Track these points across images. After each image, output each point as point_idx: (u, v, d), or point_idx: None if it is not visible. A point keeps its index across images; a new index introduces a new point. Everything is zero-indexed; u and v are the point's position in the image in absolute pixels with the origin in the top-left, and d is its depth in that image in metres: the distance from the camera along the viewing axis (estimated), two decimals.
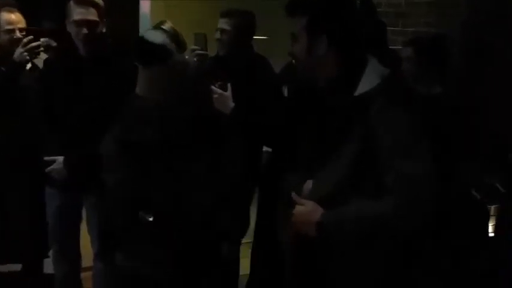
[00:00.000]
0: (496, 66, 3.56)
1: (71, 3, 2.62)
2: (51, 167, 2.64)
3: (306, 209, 1.61)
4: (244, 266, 3.12)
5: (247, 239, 3.13)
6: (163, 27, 2.88)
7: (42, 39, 2.85)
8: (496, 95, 3.52)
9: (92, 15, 2.59)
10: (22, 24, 2.98)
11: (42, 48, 2.78)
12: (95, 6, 2.61)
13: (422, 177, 1.48)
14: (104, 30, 2.69)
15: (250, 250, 3.16)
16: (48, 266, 3.11)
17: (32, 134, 2.88)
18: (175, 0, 4.40)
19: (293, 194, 1.66)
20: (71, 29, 2.63)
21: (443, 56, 2.95)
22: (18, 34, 2.91)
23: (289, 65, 2.89)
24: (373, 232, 1.54)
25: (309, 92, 1.86)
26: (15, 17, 2.97)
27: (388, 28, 3.83)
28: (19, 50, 2.74)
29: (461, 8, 3.63)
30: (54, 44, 2.98)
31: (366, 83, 1.58)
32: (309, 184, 1.69)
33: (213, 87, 2.62)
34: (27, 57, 2.75)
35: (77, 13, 2.58)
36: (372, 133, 1.52)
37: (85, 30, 2.57)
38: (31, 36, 2.75)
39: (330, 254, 1.62)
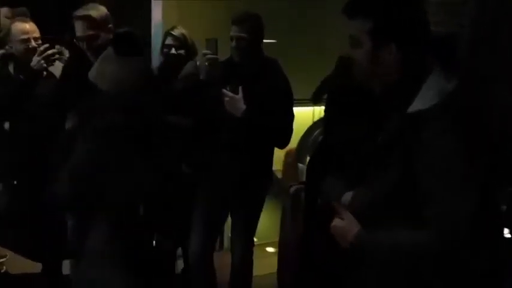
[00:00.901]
0: (506, 65, 3.55)
1: (73, 19, 2.75)
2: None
3: (344, 222, 1.57)
4: (257, 267, 3.15)
5: (260, 240, 3.17)
6: (173, 32, 2.97)
7: (57, 47, 2.94)
8: (508, 94, 3.51)
9: (89, 29, 2.71)
10: (36, 33, 3.06)
11: (57, 56, 2.88)
12: (91, 20, 2.72)
13: (465, 216, 1.38)
14: (111, 37, 2.77)
15: (262, 251, 3.19)
16: (67, 268, 3.17)
17: (47, 139, 2.94)
18: (188, 4, 4.45)
19: (335, 204, 1.63)
20: (79, 43, 2.77)
21: (453, 56, 2.96)
22: (33, 43, 2.99)
23: (228, 63, 2.89)
24: (404, 262, 1.48)
25: (360, 98, 1.84)
26: (29, 27, 3.05)
27: None
28: (36, 58, 2.84)
29: (470, 7, 3.62)
30: (67, 52, 3.09)
31: (423, 99, 1.45)
32: (347, 195, 1.71)
33: (224, 90, 2.68)
34: (44, 65, 2.85)
35: (77, 30, 2.74)
36: (418, 158, 1.41)
37: (85, 45, 2.72)
38: (47, 45, 2.85)
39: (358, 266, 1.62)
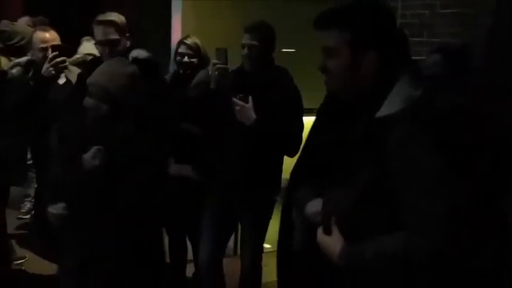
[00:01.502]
0: None
1: (94, 24, 2.81)
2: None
3: (329, 239, 1.58)
4: (268, 274, 3.17)
5: (271, 247, 3.19)
6: (186, 41, 3.03)
7: (77, 56, 3.04)
8: None
9: (112, 34, 2.77)
10: (56, 41, 3.17)
11: (67, 63, 2.95)
12: (114, 25, 2.78)
13: (438, 216, 1.36)
14: (128, 45, 2.84)
15: (273, 257, 3.21)
16: None
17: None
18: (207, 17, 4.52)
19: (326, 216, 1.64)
20: (97, 48, 2.84)
21: (468, 66, 2.96)
22: (50, 52, 3.06)
23: (239, 71, 2.93)
24: (391, 267, 1.47)
25: (334, 107, 1.88)
26: (49, 36, 3.17)
27: (413, 39, 3.88)
28: (45, 66, 2.91)
29: (486, 19, 3.62)
30: (89, 59, 3.18)
31: (390, 105, 1.47)
32: (315, 203, 1.77)
33: (234, 99, 2.73)
34: (53, 72, 2.91)
35: (98, 34, 2.78)
36: (387, 161, 1.43)
37: (107, 50, 2.77)
38: (56, 52, 2.91)
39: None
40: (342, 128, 1.71)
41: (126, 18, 2.92)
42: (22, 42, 3.52)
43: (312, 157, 2.13)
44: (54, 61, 2.89)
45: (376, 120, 1.48)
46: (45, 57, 3.06)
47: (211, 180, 2.96)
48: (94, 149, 2.09)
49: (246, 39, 2.84)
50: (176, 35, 4.22)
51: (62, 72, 3.00)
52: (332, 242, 1.56)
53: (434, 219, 1.36)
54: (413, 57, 3.33)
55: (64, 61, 2.92)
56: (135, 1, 5.56)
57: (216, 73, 2.81)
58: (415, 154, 1.40)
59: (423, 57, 3.15)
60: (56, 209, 2.18)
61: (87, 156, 2.09)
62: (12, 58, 3.42)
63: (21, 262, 3.78)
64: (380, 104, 1.49)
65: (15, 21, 4.02)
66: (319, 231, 1.61)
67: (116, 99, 2.12)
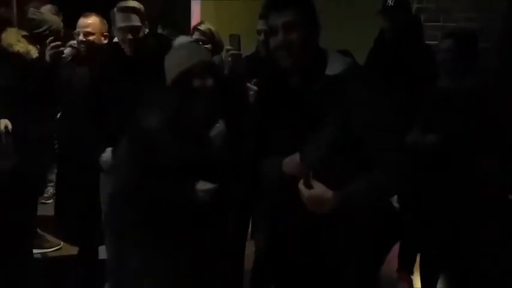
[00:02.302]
0: None
1: (115, 11, 2.86)
2: (103, 155, 2.86)
3: (317, 191, 1.77)
4: None
5: None
6: (200, 27, 3.08)
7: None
8: None
9: (135, 21, 2.82)
10: (90, 28, 3.27)
11: (62, 48, 3.07)
12: (137, 12, 2.84)
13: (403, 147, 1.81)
14: (146, 32, 2.91)
15: None
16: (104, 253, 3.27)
17: (80, 125, 3.10)
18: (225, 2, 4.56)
19: (304, 177, 1.79)
20: (117, 35, 2.88)
21: (478, 51, 2.97)
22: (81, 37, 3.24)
23: (253, 57, 3.00)
24: (375, 198, 1.82)
25: (282, 79, 1.98)
26: (82, 21, 3.30)
27: (429, 24, 3.88)
28: (47, 49, 3.04)
29: (502, 3, 3.60)
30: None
31: (333, 68, 1.83)
32: (296, 156, 1.86)
33: (249, 84, 2.77)
34: (52, 56, 3.03)
35: (121, 20, 2.83)
36: (348, 112, 1.76)
37: (129, 36, 2.81)
38: (52, 38, 3.05)
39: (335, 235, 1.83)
40: (295, 94, 1.91)
41: (147, 4, 2.98)
42: (49, 30, 3.61)
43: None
44: (50, 45, 2.99)
45: (328, 77, 1.81)
46: (78, 41, 3.22)
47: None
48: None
49: (260, 25, 2.89)
50: (195, 20, 4.28)
51: (60, 56, 3.08)
52: (319, 192, 1.76)
53: (398, 151, 1.77)
54: (428, 42, 3.41)
55: (59, 46, 3.02)
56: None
57: (229, 59, 2.86)
58: (369, 101, 1.77)
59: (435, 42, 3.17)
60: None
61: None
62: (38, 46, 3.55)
63: (57, 249, 3.85)
64: (322, 68, 1.83)
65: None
66: (301, 186, 1.78)
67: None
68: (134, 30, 2.82)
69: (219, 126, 2.20)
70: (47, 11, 4.07)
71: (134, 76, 2.80)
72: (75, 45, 3.21)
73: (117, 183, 2.17)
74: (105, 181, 3.00)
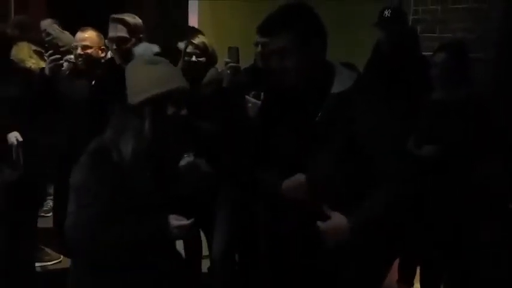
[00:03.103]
0: None
1: (109, 22, 2.97)
2: None
3: (335, 221, 1.75)
4: None
5: None
6: (194, 41, 3.07)
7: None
8: None
9: (121, 32, 2.92)
10: (87, 41, 3.31)
11: (62, 61, 3.09)
12: (124, 23, 2.94)
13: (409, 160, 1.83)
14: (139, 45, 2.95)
15: None
16: None
17: (79, 138, 3.11)
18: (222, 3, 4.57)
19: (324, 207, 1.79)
20: (109, 44, 3.00)
21: (470, 60, 3.02)
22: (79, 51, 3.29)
23: (252, 69, 3.00)
24: (391, 215, 1.78)
25: (286, 95, 1.97)
26: (80, 35, 3.35)
27: (425, 35, 3.91)
28: (46, 63, 3.06)
29: (497, 13, 3.63)
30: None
31: (340, 84, 1.81)
32: (300, 176, 1.86)
33: (247, 96, 2.78)
34: (52, 69, 3.03)
35: (110, 31, 2.95)
36: (354, 128, 1.75)
37: (114, 46, 2.93)
38: (51, 51, 3.08)
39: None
40: (297, 114, 1.90)
41: (144, 18, 3.03)
42: (48, 43, 3.66)
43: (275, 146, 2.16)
44: (50, 58, 3.02)
45: (334, 95, 1.80)
46: (76, 55, 3.29)
47: (226, 176, 3.01)
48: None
49: (258, 37, 2.90)
50: (193, 22, 4.30)
51: (59, 68, 3.10)
52: (335, 221, 1.74)
53: (403, 165, 1.77)
54: (425, 53, 3.44)
55: (59, 59, 3.04)
56: (155, 2, 5.65)
57: (228, 71, 2.87)
58: (374, 116, 1.76)
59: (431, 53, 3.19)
60: None
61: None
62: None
63: (57, 262, 3.81)
64: (328, 86, 1.81)
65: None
66: (319, 223, 1.75)
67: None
68: (120, 40, 2.92)
69: (188, 158, 2.14)
70: (47, 25, 4.11)
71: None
72: (72, 60, 3.24)
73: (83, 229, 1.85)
74: None
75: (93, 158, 1.88)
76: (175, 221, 1.88)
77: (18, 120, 3.21)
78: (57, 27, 3.83)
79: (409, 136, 2.92)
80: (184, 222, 1.89)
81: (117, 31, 2.92)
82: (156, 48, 2.92)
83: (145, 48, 2.88)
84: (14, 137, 3.20)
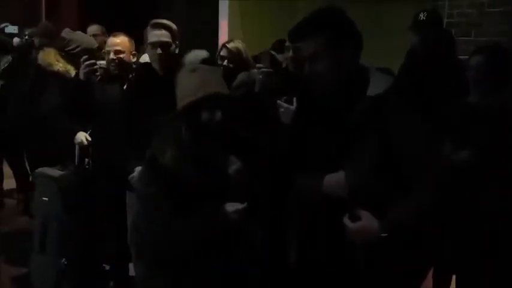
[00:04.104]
0: None
1: (148, 28, 2.92)
2: (133, 174, 2.87)
3: (364, 224, 1.73)
4: None
5: None
6: (228, 45, 3.07)
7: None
8: None
9: (165, 37, 2.87)
10: (119, 46, 3.30)
11: (96, 66, 3.12)
12: (168, 29, 2.89)
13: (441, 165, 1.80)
14: (177, 51, 2.94)
15: None
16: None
17: (110, 143, 3.16)
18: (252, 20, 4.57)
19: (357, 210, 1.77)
20: (148, 51, 2.93)
21: (509, 66, 2.94)
22: (111, 56, 3.29)
23: (283, 74, 2.96)
24: (422, 219, 1.75)
25: (319, 100, 1.96)
26: (112, 41, 3.35)
27: (461, 38, 3.83)
28: (81, 68, 3.11)
29: None
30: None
31: (375, 87, 1.80)
32: (340, 174, 1.83)
33: (279, 101, 2.74)
34: (86, 74, 3.10)
35: (152, 36, 2.89)
36: (391, 132, 1.74)
37: (159, 51, 2.86)
38: (86, 56, 3.13)
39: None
40: (332, 118, 1.88)
41: (176, 22, 3.02)
42: (77, 50, 3.69)
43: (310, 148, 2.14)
44: (85, 64, 3.06)
45: (370, 97, 1.78)
46: (109, 59, 3.29)
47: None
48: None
49: (290, 42, 2.86)
50: (223, 38, 4.30)
51: (94, 74, 3.15)
52: (365, 222, 1.72)
53: (438, 170, 1.76)
54: (460, 56, 3.37)
55: (94, 64, 3.09)
56: (186, 6, 5.70)
57: (260, 76, 2.84)
58: (410, 120, 1.77)
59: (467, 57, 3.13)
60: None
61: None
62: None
63: None
64: (362, 90, 1.79)
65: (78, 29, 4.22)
66: (347, 221, 1.75)
67: None
68: (163, 45, 2.87)
69: (235, 163, 2.14)
70: (91, 31, 4.19)
71: (164, 96, 2.82)
72: (103, 66, 3.26)
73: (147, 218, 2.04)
74: (132, 199, 3.01)
75: (146, 166, 2.05)
76: (231, 207, 1.98)
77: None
78: (69, 30, 3.86)
79: (444, 141, 2.86)
80: (239, 206, 1.98)
81: (161, 36, 2.89)
82: (204, 54, 2.92)
83: (195, 56, 2.88)
84: (83, 136, 3.44)
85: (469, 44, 3.72)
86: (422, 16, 3.21)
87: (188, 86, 1.96)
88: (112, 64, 3.30)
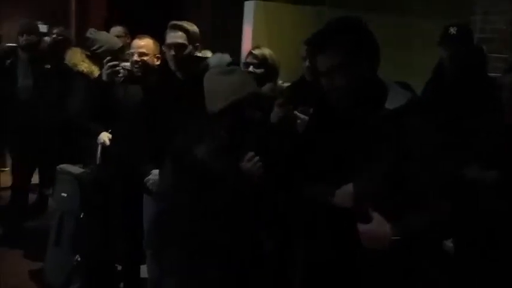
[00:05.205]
0: None
1: (167, 30, 2.92)
2: (149, 177, 2.86)
3: (374, 225, 1.71)
4: None
5: None
6: (254, 51, 3.03)
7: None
8: None
9: (180, 38, 2.87)
10: (144, 48, 3.30)
11: (119, 68, 3.14)
12: (184, 30, 2.89)
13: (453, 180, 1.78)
14: (196, 54, 2.93)
15: None
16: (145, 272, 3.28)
17: (130, 144, 3.14)
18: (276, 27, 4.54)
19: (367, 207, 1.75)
20: (166, 52, 2.93)
21: None
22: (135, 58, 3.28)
23: (299, 83, 2.93)
24: (435, 231, 1.80)
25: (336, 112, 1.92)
26: (137, 43, 3.34)
27: (492, 55, 3.70)
28: (104, 68, 3.14)
29: None
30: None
31: (392, 102, 1.78)
32: (349, 186, 1.79)
33: (296, 112, 2.68)
34: (107, 73, 3.13)
35: (169, 37, 2.90)
36: (406, 145, 1.73)
37: (172, 52, 2.86)
38: (109, 57, 3.15)
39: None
40: (348, 129, 1.85)
41: (200, 26, 3.01)
42: (100, 50, 3.71)
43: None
44: (108, 65, 3.07)
45: (388, 111, 1.76)
46: (132, 61, 3.29)
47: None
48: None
49: (305, 51, 2.82)
50: (247, 44, 4.26)
51: (116, 75, 3.17)
52: (377, 225, 1.70)
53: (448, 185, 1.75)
54: (491, 74, 3.26)
55: (117, 65, 3.11)
56: (211, 11, 5.70)
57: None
58: (427, 137, 1.76)
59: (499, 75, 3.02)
60: None
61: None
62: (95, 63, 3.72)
63: None
64: (380, 103, 1.78)
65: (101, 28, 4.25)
66: (359, 224, 1.72)
67: None
68: (177, 47, 2.87)
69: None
70: (114, 32, 4.21)
71: (184, 100, 2.80)
72: (127, 67, 3.25)
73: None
74: (148, 202, 3.00)
75: (171, 164, 2.18)
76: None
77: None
78: (94, 29, 3.88)
79: (469, 158, 2.76)
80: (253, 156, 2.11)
81: (177, 38, 2.89)
82: (228, 57, 2.91)
83: (219, 59, 2.88)
84: (106, 136, 3.45)
85: (502, 62, 3.60)
86: (452, 31, 3.10)
87: (230, 86, 2.08)
88: (135, 66, 3.29)
